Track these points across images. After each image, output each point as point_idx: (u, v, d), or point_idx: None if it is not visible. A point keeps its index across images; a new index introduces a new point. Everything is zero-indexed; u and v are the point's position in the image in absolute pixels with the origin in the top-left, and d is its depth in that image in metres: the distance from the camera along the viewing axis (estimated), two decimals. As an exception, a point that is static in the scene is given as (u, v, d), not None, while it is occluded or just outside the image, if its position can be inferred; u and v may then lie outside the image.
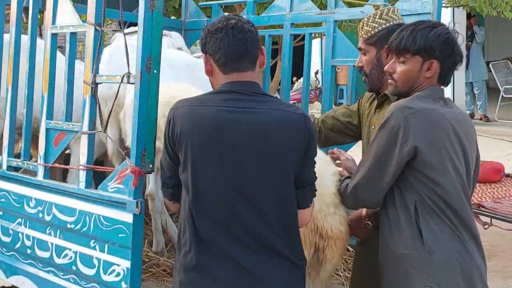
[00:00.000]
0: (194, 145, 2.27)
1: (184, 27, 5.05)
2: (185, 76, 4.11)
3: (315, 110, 13.27)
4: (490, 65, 12.24)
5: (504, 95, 11.87)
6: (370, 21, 2.83)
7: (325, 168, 2.82)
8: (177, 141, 2.31)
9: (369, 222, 2.72)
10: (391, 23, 2.83)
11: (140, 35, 2.74)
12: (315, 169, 2.43)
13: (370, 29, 2.83)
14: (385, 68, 2.62)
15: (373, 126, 2.94)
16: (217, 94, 2.35)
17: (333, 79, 4.21)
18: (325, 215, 2.79)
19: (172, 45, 4.38)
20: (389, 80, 2.61)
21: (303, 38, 7.85)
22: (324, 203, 2.78)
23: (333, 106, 11.83)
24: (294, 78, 12.63)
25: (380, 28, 2.82)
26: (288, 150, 2.29)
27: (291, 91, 12.41)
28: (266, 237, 2.28)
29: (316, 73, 13.52)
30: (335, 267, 2.96)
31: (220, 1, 4.98)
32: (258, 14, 4.82)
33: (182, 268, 2.32)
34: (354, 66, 4.07)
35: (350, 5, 4.28)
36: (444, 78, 2.57)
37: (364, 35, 2.84)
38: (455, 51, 2.52)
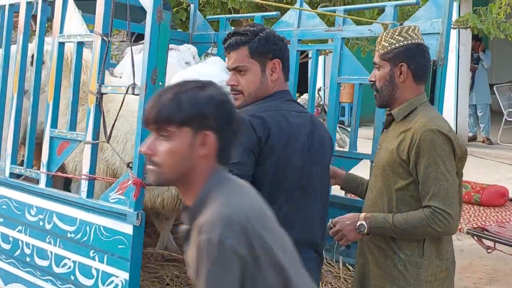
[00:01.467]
0: (281, 148, 2.57)
1: (192, 40, 5.05)
2: None
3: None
4: (494, 88, 12.22)
5: (507, 118, 11.84)
6: (389, 37, 2.78)
7: None
8: (267, 147, 2.54)
9: (364, 223, 2.69)
10: (410, 41, 2.77)
11: (146, 47, 2.74)
12: None
13: (387, 44, 2.77)
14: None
15: (378, 147, 2.91)
16: (285, 100, 2.69)
17: (338, 97, 4.19)
18: None
19: (181, 60, 4.38)
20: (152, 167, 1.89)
21: (305, 55, 7.91)
22: None
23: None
24: (297, 95, 12.61)
25: (397, 45, 2.76)
26: (329, 149, 2.81)
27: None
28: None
29: (319, 90, 13.52)
30: None
31: (228, 15, 4.98)
32: (266, 29, 4.82)
33: None
34: (360, 84, 4.11)
35: (358, 23, 4.27)
36: (223, 155, 1.89)
37: (380, 50, 2.79)
38: (234, 118, 1.88)
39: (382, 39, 2.80)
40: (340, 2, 5.68)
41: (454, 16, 8.41)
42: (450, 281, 2.75)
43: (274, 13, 4.79)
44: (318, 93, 13.68)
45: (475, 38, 11.88)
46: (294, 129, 2.61)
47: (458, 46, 11.91)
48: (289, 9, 4.40)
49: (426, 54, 2.82)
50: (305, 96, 12.76)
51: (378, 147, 2.91)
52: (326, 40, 4.33)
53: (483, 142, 12.11)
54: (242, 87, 2.65)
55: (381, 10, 4.53)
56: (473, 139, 12.32)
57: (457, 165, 2.68)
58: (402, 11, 6.38)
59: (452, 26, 8.37)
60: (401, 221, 2.63)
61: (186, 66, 4.36)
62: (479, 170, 10.05)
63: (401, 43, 2.77)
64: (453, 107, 12.01)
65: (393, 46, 2.76)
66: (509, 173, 9.78)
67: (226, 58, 2.72)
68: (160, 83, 2.76)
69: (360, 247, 2.87)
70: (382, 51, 2.78)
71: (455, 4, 10.91)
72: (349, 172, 3.20)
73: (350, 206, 3.69)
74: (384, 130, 2.91)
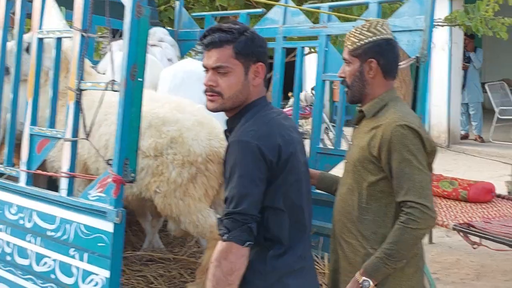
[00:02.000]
0: (286, 161, 2.40)
1: (177, 38, 5.03)
2: None
3: (311, 126, 13.21)
4: (486, 86, 12.25)
5: (499, 116, 11.87)
6: (358, 32, 2.75)
7: None
8: (280, 165, 2.38)
9: (365, 278, 2.63)
10: (378, 37, 2.75)
11: (125, 42, 2.72)
12: None
13: (356, 40, 2.72)
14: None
15: (351, 143, 2.90)
16: (272, 110, 2.51)
17: (323, 95, 4.17)
18: (225, 146, 3.17)
19: (164, 56, 4.36)
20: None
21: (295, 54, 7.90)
22: (220, 139, 3.58)
23: (329, 122, 11.85)
24: (290, 93, 12.62)
25: (366, 40, 2.73)
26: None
27: (287, 106, 12.34)
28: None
29: (312, 89, 13.48)
30: None
31: (213, 12, 4.96)
32: (251, 26, 4.80)
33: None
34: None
35: (343, 20, 4.25)
36: None
37: (349, 46, 2.76)
38: None
39: (351, 35, 2.77)
40: (325, -1, 5.65)
41: (445, 14, 8.39)
42: (419, 276, 2.74)
43: (260, 9, 4.77)
44: (312, 92, 13.65)
45: (468, 36, 11.88)
46: (291, 137, 2.45)
47: (450, 45, 11.92)
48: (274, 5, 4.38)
49: (395, 49, 2.80)
50: (300, 95, 12.75)
51: (350, 143, 2.90)
52: (314, 38, 4.30)
53: (475, 140, 12.14)
54: (221, 89, 2.41)
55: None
56: (465, 137, 12.36)
57: (427, 160, 2.68)
58: (391, 8, 6.35)
59: (441, 23, 8.41)
60: (390, 248, 2.59)
61: (168, 63, 4.34)
62: (471, 168, 10.10)
63: (370, 39, 2.74)
64: (445, 105, 12.02)
65: (362, 42, 2.73)
66: (500, 171, 9.78)
67: (205, 56, 2.46)
68: (140, 79, 2.74)
69: (333, 243, 2.86)
70: (351, 47, 2.75)
71: (447, 2, 10.91)
72: (323, 171, 3.18)
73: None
74: (356, 127, 2.89)
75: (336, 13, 4.10)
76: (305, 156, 2.57)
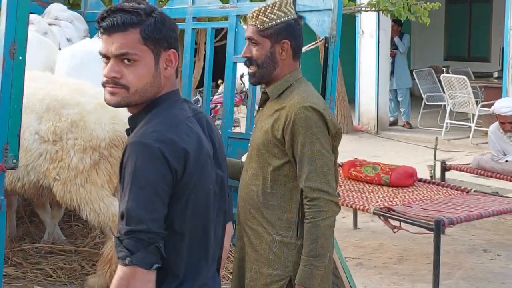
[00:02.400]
0: (198, 173, 1.97)
1: (85, 19, 4.81)
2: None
3: (242, 114, 13.13)
4: (414, 73, 12.38)
5: (426, 102, 12.02)
6: (268, 11, 2.62)
7: None
8: (185, 178, 1.98)
9: None
10: (289, 17, 2.66)
11: (3, 18, 2.51)
12: None
13: (267, 20, 2.61)
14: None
15: (254, 126, 2.80)
16: (182, 103, 2.06)
17: (235, 77, 4.05)
18: None
19: (63, 36, 4.14)
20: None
21: (225, 36, 7.74)
22: (125, 123, 3.23)
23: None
24: (219, 81, 12.48)
25: (278, 20, 2.61)
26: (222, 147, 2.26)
27: (216, 94, 12.21)
28: None
29: (242, 76, 13.39)
30: None
31: (122, -8, 4.74)
32: (160, 7, 4.63)
33: None
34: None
35: (253, -1, 4.13)
36: None
37: (259, 25, 2.61)
38: None
39: (261, 14, 2.63)
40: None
41: (369, -1, 8.38)
42: (328, 263, 2.66)
43: (168, -11, 4.61)
44: (241, 79, 13.55)
45: (395, 21, 11.96)
46: (202, 141, 2.00)
47: (378, 31, 11.97)
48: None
49: (301, 29, 2.73)
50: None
51: (254, 126, 2.79)
52: (225, 18, 4.16)
53: (403, 126, 12.26)
54: (127, 82, 1.94)
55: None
56: (394, 123, 12.47)
57: (332, 143, 2.62)
58: None
59: (365, 9, 8.41)
60: (312, 249, 2.53)
61: (68, 43, 4.13)
62: (400, 153, 10.20)
63: (282, 19, 2.64)
64: (374, 92, 12.10)
65: (274, 22, 2.62)
66: (426, 156, 9.93)
67: (104, 42, 1.98)
68: (20, 57, 2.54)
69: (238, 230, 2.76)
70: (262, 27, 2.62)
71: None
72: (229, 158, 3.05)
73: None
74: (260, 109, 2.78)
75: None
76: (223, 170, 2.10)
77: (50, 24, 4.19)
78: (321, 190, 2.52)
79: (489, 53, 15.23)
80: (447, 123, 11.01)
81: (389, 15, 8.25)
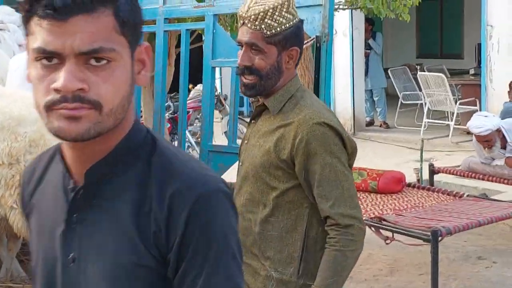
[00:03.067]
0: None
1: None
2: None
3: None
4: (389, 72, 12.15)
5: (403, 101, 11.80)
6: (277, 14, 2.19)
7: None
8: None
9: None
10: (296, 19, 2.26)
11: None
12: None
13: (275, 24, 2.20)
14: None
15: (245, 142, 2.40)
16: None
17: (213, 84, 3.65)
18: None
19: (15, 42, 3.70)
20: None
21: (200, 38, 7.29)
22: None
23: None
24: (191, 85, 12.08)
25: (287, 25, 2.22)
26: None
27: (187, 98, 11.82)
28: None
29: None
30: None
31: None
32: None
33: None
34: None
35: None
36: None
37: (265, 31, 2.20)
38: None
39: (268, 16, 2.19)
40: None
41: (345, -3, 8.05)
42: None
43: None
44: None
45: (367, 21, 11.74)
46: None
47: (352, 30, 11.71)
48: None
49: None
50: (200, 87, 12.18)
51: (246, 142, 2.40)
52: (201, 18, 3.75)
53: (380, 126, 12.07)
54: (100, 98, 1.20)
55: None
56: (370, 123, 12.28)
57: (348, 162, 2.28)
58: None
59: (342, 7, 8.06)
60: (332, 281, 2.18)
61: (21, 49, 3.69)
62: (378, 155, 10.02)
63: (291, 23, 2.23)
64: (349, 92, 11.87)
65: (283, 27, 2.22)
66: (406, 156, 9.76)
67: (50, 32, 1.18)
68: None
69: None
70: (269, 32, 2.20)
71: (346, -16, 10.63)
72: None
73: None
74: (253, 122, 2.39)
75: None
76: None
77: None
78: (354, 217, 2.19)
79: (462, 49, 15.11)
80: (425, 122, 10.76)
81: (366, 13, 7.91)
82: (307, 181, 2.21)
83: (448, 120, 10.60)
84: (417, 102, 11.74)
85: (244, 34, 2.24)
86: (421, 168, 6.89)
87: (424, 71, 11.69)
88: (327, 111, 2.31)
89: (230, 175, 2.68)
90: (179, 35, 5.61)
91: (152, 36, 4.95)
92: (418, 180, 6.84)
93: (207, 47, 3.59)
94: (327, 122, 2.20)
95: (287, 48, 2.24)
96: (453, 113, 10.39)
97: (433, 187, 6.08)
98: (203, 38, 3.91)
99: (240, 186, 2.36)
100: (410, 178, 6.81)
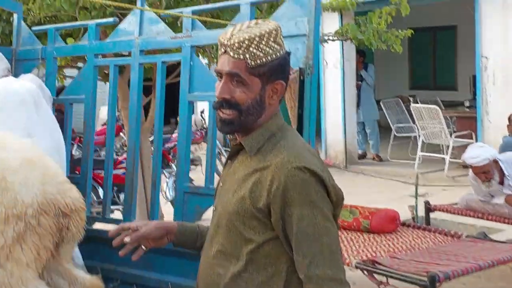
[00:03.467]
0: None
1: (16, 57, 4.12)
2: (35, 116, 3.33)
3: (203, 151, 12.50)
4: (381, 103, 11.95)
5: (396, 133, 11.57)
6: (263, 43, 1.98)
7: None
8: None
9: None
10: (283, 50, 2.03)
11: None
12: None
13: (261, 54, 1.98)
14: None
15: (220, 184, 2.14)
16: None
17: (190, 119, 3.39)
18: (64, 192, 2.90)
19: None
20: None
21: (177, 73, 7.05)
22: (58, 182, 2.92)
23: (221, 147, 11.24)
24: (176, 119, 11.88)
25: (274, 56, 2.00)
26: None
27: (176, 131, 11.71)
28: None
29: (202, 112, 12.84)
30: (78, 240, 3.05)
31: (57, 25, 4.08)
32: (103, 39, 3.97)
33: None
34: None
35: (211, 25, 3.48)
36: None
37: (250, 61, 1.98)
38: None
39: (253, 45, 1.97)
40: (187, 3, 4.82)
41: (336, 28, 7.86)
42: None
43: (111, 19, 3.93)
44: (202, 115, 13.03)
45: (359, 52, 11.60)
46: None
47: (343, 62, 11.55)
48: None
49: None
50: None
51: (221, 184, 2.13)
52: (178, 50, 3.51)
53: (373, 159, 11.85)
54: None
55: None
56: (363, 156, 12.06)
57: (333, 212, 2.00)
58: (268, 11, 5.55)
59: (332, 38, 7.86)
60: None
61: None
62: (371, 189, 9.80)
63: (278, 54, 2.01)
64: (340, 124, 11.68)
65: (269, 58, 1.99)
66: (400, 191, 9.51)
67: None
68: None
69: None
70: (254, 63, 1.98)
71: (337, 15, 10.49)
72: (184, 222, 2.38)
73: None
74: (229, 162, 2.13)
75: (203, 18, 3.31)
76: None
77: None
78: (334, 279, 1.90)
79: (456, 81, 14.97)
80: (419, 156, 10.52)
81: (357, 45, 7.70)
82: (285, 233, 1.95)
83: (443, 153, 10.37)
84: (410, 134, 11.52)
85: (224, 63, 2.00)
86: (416, 205, 6.62)
87: (418, 103, 11.49)
88: (310, 153, 2.03)
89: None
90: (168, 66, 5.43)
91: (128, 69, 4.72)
92: (413, 218, 6.57)
93: (184, 80, 3.33)
94: (308, 166, 1.94)
95: (271, 81, 2.02)
96: (448, 146, 10.16)
97: (429, 227, 5.79)
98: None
99: (212, 235, 2.09)
100: (405, 214, 6.55)
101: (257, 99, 2.01)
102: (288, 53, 2.07)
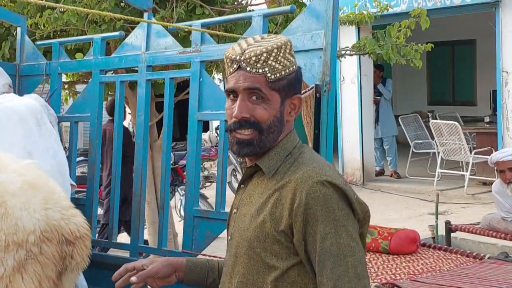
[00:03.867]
0: None
1: (20, 73, 3.98)
2: (36, 134, 3.17)
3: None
4: (400, 119, 11.75)
5: (414, 150, 11.35)
6: (281, 55, 1.86)
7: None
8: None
9: None
10: (297, 63, 1.94)
11: None
12: None
13: (280, 67, 1.86)
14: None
15: (234, 211, 1.99)
16: None
17: (200, 138, 3.21)
18: (68, 217, 2.77)
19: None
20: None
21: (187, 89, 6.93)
22: (62, 207, 2.78)
23: (236, 163, 11.08)
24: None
25: (291, 68, 1.88)
26: None
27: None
28: None
29: (217, 128, 12.72)
30: (82, 268, 2.90)
31: (61, 39, 3.94)
32: (108, 55, 3.81)
33: None
34: (226, 121, 3.13)
35: (222, 39, 3.32)
36: None
37: (269, 74, 1.84)
38: None
39: (272, 58, 1.84)
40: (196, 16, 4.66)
41: (353, 42, 7.70)
42: None
43: (117, 33, 3.79)
44: (216, 132, 12.92)
45: (377, 67, 11.43)
46: None
47: (360, 77, 11.38)
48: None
49: None
50: (204, 135, 11.90)
51: (234, 211, 1.98)
52: (187, 65, 3.34)
53: (391, 176, 11.64)
54: None
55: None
56: (380, 173, 11.85)
57: (358, 229, 1.86)
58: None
59: (349, 52, 7.69)
60: None
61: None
62: (389, 206, 9.64)
63: (294, 67, 1.90)
64: (358, 141, 11.50)
65: (287, 70, 1.87)
66: (419, 209, 9.31)
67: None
68: None
69: None
70: (273, 76, 1.85)
71: (354, 29, 10.31)
72: (191, 258, 2.21)
73: None
74: (241, 187, 1.98)
75: (213, 31, 3.15)
76: None
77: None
78: None
79: (475, 96, 14.72)
80: (438, 173, 10.28)
81: (375, 59, 7.53)
82: (307, 255, 1.80)
83: (463, 170, 10.15)
84: (429, 151, 11.29)
85: (240, 79, 1.86)
86: (437, 224, 6.41)
87: (436, 119, 11.28)
88: (331, 168, 1.89)
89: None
90: (179, 82, 5.29)
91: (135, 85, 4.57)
92: (434, 239, 6.37)
93: (193, 97, 3.15)
94: (330, 180, 1.81)
95: (290, 95, 1.91)
96: (467, 162, 9.93)
97: (450, 248, 5.58)
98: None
99: (230, 266, 1.93)
100: (424, 233, 6.38)
101: (278, 116, 1.89)
102: (299, 67, 1.96)
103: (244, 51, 1.86)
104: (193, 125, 3.16)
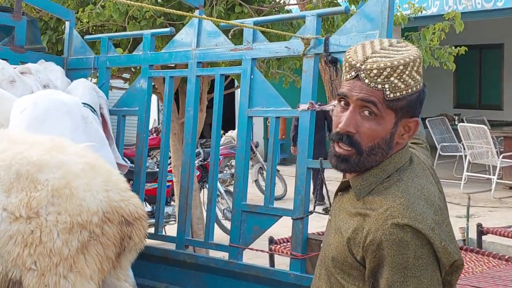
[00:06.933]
0: None
1: (67, 66, 4.04)
2: (81, 129, 3.20)
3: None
4: (426, 122, 11.69)
5: (441, 153, 11.29)
6: (406, 73, 1.68)
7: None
8: None
9: None
10: (422, 82, 1.75)
11: None
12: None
13: (403, 86, 1.69)
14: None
15: (330, 218, 1.89)
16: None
17: (250, 136, 3.25)
18: (127, 199, 2.83)
19: (40, 84, 3.36)
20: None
21: (232, 84, 6.89)
22: (121, 189, 2.84)
23: (263, 162, 11.08)
24: (222, 131, 11.77)
25: (414, 88, 1.71)
26: None
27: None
28: None
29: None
30: (139, 249, 2.95)
31: (110, 34, 4.00)
32: (158, 50, 3.87)
33: None
34: (276, 118, 3.16)
35: (273, 38, 3.36)
36: None
37: (389, 92, 1.68)
38: None
39: (395, 74, 1.68)
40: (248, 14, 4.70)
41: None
42: None
43: (167, 29, 3.84)
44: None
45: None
46: None
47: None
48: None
49: None
50: (230, 133, 11.84)
51: (330, 218, 1.87)
52: (239, 62, 3.38)
53: (417, 178, 11.51)
54: None
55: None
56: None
57: (445, 277, 1.69)
58: (332, 23, 5.35)
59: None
60: None
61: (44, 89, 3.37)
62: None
63: (418, 86, 1.72)
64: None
65: (409, 91, 1.70)
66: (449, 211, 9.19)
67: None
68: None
69: None
70: (393, 95, 1.68)
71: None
72: None
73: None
74: (339, 194, 1.85)
75: (265, 29, 3.19)
76: None
77: (22, 73, 3.43)
78: None
79: (502, 100, 14.59)
80: (465, 176, 10.24)
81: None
82: None
83: (489, 174, 10.09)
84: (456, 154, 11.23)
85: (355, 88, 1.71)
86: (468, 227, 6.40)
87: (463, 122, 11.22)
88: (425, 204, 1.70)
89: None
90: (212, 80, 5.32)
91: (184, 80, 4.61)
92: (464, 241, 6.35)
93: (244, 94, 3.20)
94: (412, 224, 1.63)
95: (407, 116, 1.74)
96: (494, 166, 9.88)
97: (482, 250, 5.56)
98: (236, 83, 3.55)
99: (315, 280, 1.86)
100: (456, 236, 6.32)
101: (387, 137, 1.73)
102: (425, 85, 1.78)
103: (366, 59, 1.70)
104: (243, 122, 3.21)
